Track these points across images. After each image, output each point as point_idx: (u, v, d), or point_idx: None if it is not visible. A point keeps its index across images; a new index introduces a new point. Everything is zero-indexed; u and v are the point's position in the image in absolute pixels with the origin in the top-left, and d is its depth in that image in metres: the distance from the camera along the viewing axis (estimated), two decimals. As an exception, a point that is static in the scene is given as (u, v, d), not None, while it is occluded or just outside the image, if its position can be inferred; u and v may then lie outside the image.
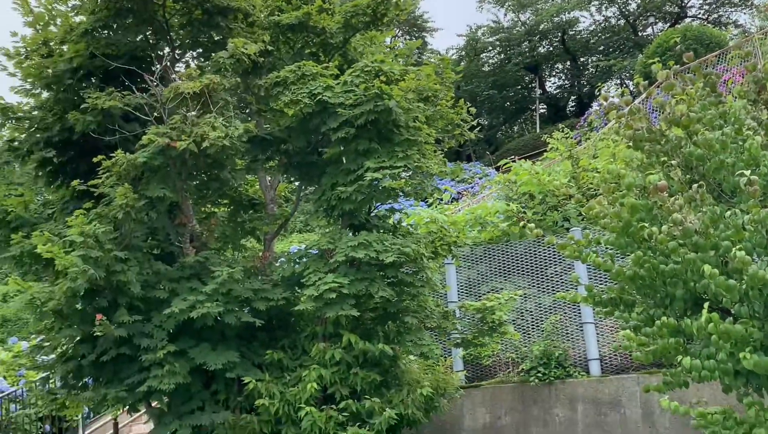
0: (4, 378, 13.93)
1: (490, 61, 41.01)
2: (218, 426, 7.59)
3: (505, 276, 10.60)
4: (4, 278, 25.67)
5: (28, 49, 8.30)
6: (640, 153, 5.79)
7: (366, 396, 7.53)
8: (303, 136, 8.24)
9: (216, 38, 8.80)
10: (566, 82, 42.27)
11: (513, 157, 20.40)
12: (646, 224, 5.23)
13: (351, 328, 7.69)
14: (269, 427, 7.55)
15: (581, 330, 9.84)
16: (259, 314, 7.72)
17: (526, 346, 9.94)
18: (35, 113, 8.34)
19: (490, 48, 40.61)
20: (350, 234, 7.97)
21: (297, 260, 8.25)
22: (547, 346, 9.67)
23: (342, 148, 7.94)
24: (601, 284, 9.31)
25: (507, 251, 10.71)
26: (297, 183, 9.37)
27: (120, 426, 11.69)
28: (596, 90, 32.92)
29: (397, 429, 7.77)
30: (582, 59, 40.16)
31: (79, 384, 8.18)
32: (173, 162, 7.57)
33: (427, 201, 16.81)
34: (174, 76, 8.06)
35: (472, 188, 22.55)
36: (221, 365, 7.40)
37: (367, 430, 7.25)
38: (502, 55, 40.33)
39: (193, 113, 7.47)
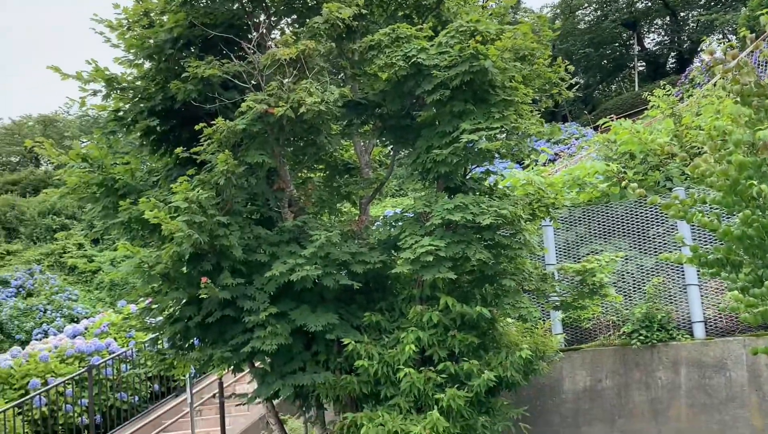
0: (115, 339, 14.61)
1: (586, 18, 39.90)
2: (319, 386, 7.77)
3: (604, 238, 10.39)
4: (111, 244, 26.78)
5: (130, 20, 8.52)
6: (747, 108, 5.52)
7: (464, 358, 7.55)
8: (397, 99, 8.21)
9: (310, 4, 8.83)
10: (666, 38, 40.77)
11: (611, 116, 19.87)
12: (755, 182, 5.01)
13: (448, 291, 7.70)
14: (368, 387, 7.67)
15: (684, 292, 9.58)
16: (357, 277, 7.81)
17: (627, 309, 9.75)
18: (138, 83, 8.58)
19: (586, 5, 39.48)
20: (446, 197, 7.93)
21: (393, 224, 8.29)
22: (649, 308, 9.46)
23: (436, 110, 7.88)
24: (705, 244, 9.02)
25: (606, 213, 10.48)
26: (391, 147, 9.38)
27: (224, 386, 12.10)
28: (700, 45, 31.62)
29: (495, 391, 7.78)
30: (682, 14, 38.59)
31: (186, 345, 8.50)
32: (271, 128, 7.69)
33: (522, 163, 16.59)
34: (270, 43, 8.15)
35: (568, 149, 22.11)
36: (321, 327, 7.53)
37: (465, 392, 7.28)
38: (599, 12, 39.16)
39: (290, 79, 7.55)
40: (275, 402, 8.85)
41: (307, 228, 8.06)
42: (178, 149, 7.89)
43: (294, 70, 7.60)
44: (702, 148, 9.59)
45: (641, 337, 9.37)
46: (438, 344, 7.59)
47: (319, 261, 7.57)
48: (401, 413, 7.38)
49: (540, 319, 9.26)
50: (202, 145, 7.63)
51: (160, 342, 9.34)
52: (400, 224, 8.02)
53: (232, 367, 8.44)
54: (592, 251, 10.04)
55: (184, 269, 7.86)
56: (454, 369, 7.44)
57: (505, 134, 7.92)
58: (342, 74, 8.98)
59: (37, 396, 12.06)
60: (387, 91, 8.23)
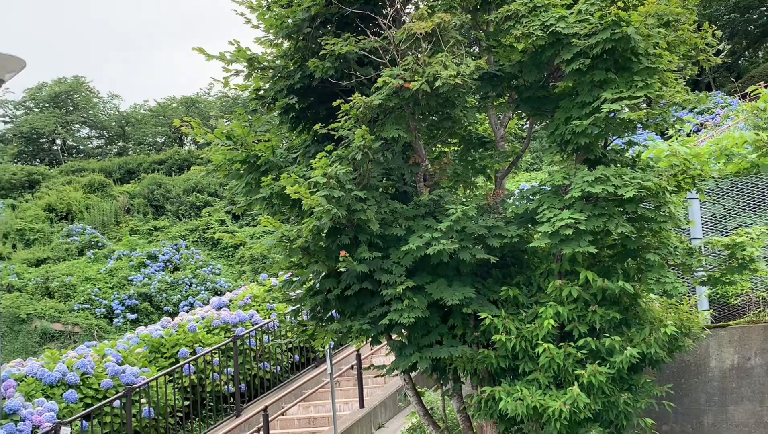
0: (257, 311, 15.17)
1: (732, -19, 37.76)
2: (456, 359, 7.79)
3: (754, 211, 9.86)
4: (251, 221, 27.77)
5: (269, 0, 8.73)
6: None
7: (605, 334, 7.37)
8: (534, 70, 8.05)
9: (444, -24, 8.76)
10: (820, -2, 38.01)
11: (760, 83, 18.77)
12: None
13: (588, 265, 7.52)
14: (506, 362, 7.63)
15: None
16: (493, 251, 7.75)
17: (779, 285, 9.24)
18: (278, 62, 8.79)
19: (731, -33, 37.36)
20: (585, 169, 7.74)
21: (530, 197, 8.16)
22: (803, 285, 8.93)
23: (575, 80, 7.68)
24: None
25: (756, 184, 9.93)
26: (527, 119, 9.22)
27: (361, 358, 12.35)
28: None
29: (638, 368, 7.56)
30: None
31: (326, 317, 8.72)
32: (407, 103, 7.71)
33: (664, 134, 15.95)
34: (405, 17, 8.15)
35: (713, 119, 21.08)
36: (458, 300, 7.53)
37: (607, 368, 7.12)
38: (745, -25, 36.98)
39: (425, 53, 7.54)
40: (412, 374, 8.95)
41: (442, 202, 8.07)
42: (316, 126, 8.04)
43: (429, 44, 7.58)
44: None
45: (795, 315, 8.87)
46: (578, 319, 7.45)
47: (455, 235, 7.56)
48: (540, 388, 7.30)
49: (685, 295, 8.91)
50: (339, 121, 7.75)
51: (300, 314, 9.63)
52: (537, 197, 7.88)
53: (370, 339, 8.58)
54: (741, 225, 9.55)
55: (323, 243, 8.05)
56: (595, 345, 7.28)
57: (648, 104, 7.63)
58: (477, 47, 8.88)
59: (187, 364, 12.70)
60: (523, 62, 8.08)
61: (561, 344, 7.35)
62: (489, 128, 9.30)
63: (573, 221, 7.13)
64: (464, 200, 8.50)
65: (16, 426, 9.97)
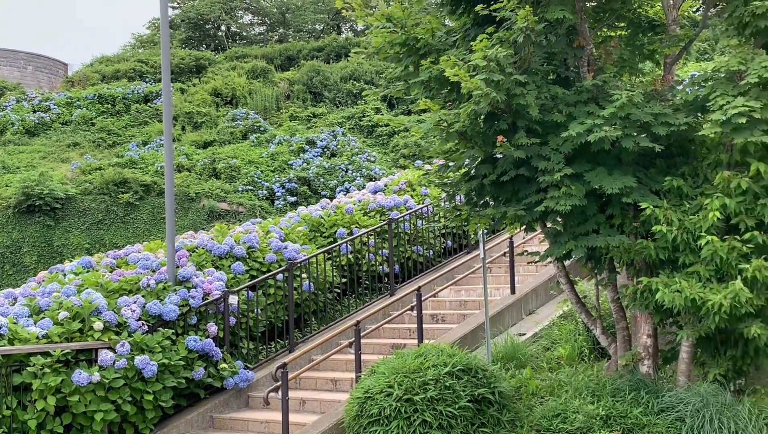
0: (411, 196, 15.45)
1: None
2: (613, 249, 7.70)
3: None
4: (405, 109, 27.94)
5: None
6: None
7: (774, 229, 7.05)
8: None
9: None
10: None
11: None
12: None
13: (760, 157, 7.13)
14: (666, 253, 7.47)
15: None
16: (658, 140, 7.48)
17: None
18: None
19: None
20: (764, 54, 7.23)
21: (702, 83, 7.75)
22: None
23: (761, -44, 7.10)
24: None
25: None
26: (703, 0, 8.65)
27: (514, 246, 12.41)
28: None
29: (808, 265, 7.21)
30: None
31: (481, 202, 8.79)
32: (572, -18, 7.42)
33: None
34: None
35: None
36: (617, 189, 7.38)
37: (774, 263, 6.84)
38: None
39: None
40: (566, 263, 8.94)
41: (606, 88, 7.81)
42: (478, 7, 7.90)
43: None
44: None
45: None
46: (746, 212, 7.14)
47: (619, 122, 7.35)
48: (700, 281, 7.13)
49: None
50: (501, 2, 7.57)
51: (453, 200, 9.73)
52: (709, 83, 7.47)
53: (524, 226, 8.62)
54: None
55: (481, 127, 8.03)
56: (762, 239, 6.98)
57: None
58: None
59: (344, 244, 13.21)
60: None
61: (725, 237, 7.09)
62: (660, 11, 8.82)
63: (747, 109, 6.75)
64: (630, 86, 8.18)
65: (189, 292, 10.80)
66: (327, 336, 10.61)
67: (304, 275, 12.31)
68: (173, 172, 11.66)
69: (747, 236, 7.02)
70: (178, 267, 11.29)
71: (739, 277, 6.88)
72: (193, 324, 10.73)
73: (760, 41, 7.47)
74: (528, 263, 13.04)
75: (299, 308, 12.37)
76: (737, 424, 7.01)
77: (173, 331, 10.42)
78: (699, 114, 7.69)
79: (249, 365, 11.21)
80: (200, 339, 10.36)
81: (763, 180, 7.06)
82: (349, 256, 13.36)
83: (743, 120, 6.75)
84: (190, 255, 11.94)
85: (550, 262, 9.03)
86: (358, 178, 22.25)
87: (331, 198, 19.73)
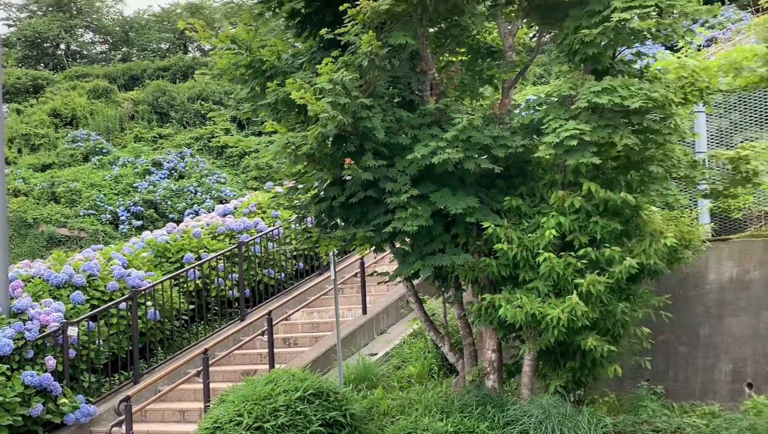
0: (262, 219, 15.29)
1: None
2: (458, 267, 7.91)
3: (761, 126, 9.81)
4: (255, 129, 27.70)
5: None
6: None
7: (605, 245, 7.44)
8: (545, -24, 7.90)
9: None
10: None
11: (776, -3, 18.33)
12: None
13: (591, 176, 7.55)
14: (507, 270, 7.74)
15: None
16: (498, 162, 7.77)
17: (782, 200, 9.27)
18: (284, -36, 8.61)
19: None
20: (593, 80, 7.67)
21: (536, 107, 8.12)
22: (807, 200, 8.95)
23: (586, -12, 7.54)
24: None
25: (765, 99, 9.85)
26: (536, 28, 9.08)
27: (365, 266, 12.52)
28: None
29: (637, 278, 7.67)
30: None
31: (331, 224, 8.81)
32: (415, 9, 7.61)
33: (673, 48, 15.72)
34: None
35: (724, 34, 20.71)
36: (461, 209, 7.59)
37: (606, 278, 7.22)
38: None
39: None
40: (415, 282, 9.10)
41: (448, 111, 8.04)
42: (323, 31, 7.95)
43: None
44: None
45: (796, 230, 8.93)
46: (579, 230, 7.52)
47: (461, 144, 7.57)
48: (539, 296, 7.43)
49: (687, 208, 8.97)
50: (345, 26, 7.66)
51: (304, 222, 9.71)
52: (543, 107, 7.85)
53: (374, 247, 8.71)
54: (747, 139, 9.51)
55: (329, 150, 8.06)
56: (595, 255, 7.37)
57: (659, 14, 7.51)
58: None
59: (192, 269, 12.89)
60: (534, -32, 7.92)
61: (561, 254, 7.44)
62: (497, 38, 9.18)
63: (578, 131, 7.12)
64: (470, 110, 8.46)
65: (24, 325, 10.20)
66: (174, 365, 10.29)
67: (149, 303, 11.91)
68: (6, 197, 11.00)
69: (581, 252, 7.38)
70: (12, 298, 10.65)
71: (575, 291, 7.22)
72: (30, 358, 10.14)
73: (589, 67, 7.90)
74: (378, 283, 13.18)
75: (144, 338, 11.94)
76: (577, 433, 7.33)
77: (8, 366, 9.82)
78: (535, 136, 8.03)
79: (91, 399, 10.70)
80: (37, 374, 9.80)
81: (594, 199, 7.45)
82: (197, 281, 13.04)
83: (575, 142, 7.11)
84: (26, 285, 11.30)
85: (400, 282, 9.16)
86: (208, 200, 21.83)
87: (179, 222, 19.21)
